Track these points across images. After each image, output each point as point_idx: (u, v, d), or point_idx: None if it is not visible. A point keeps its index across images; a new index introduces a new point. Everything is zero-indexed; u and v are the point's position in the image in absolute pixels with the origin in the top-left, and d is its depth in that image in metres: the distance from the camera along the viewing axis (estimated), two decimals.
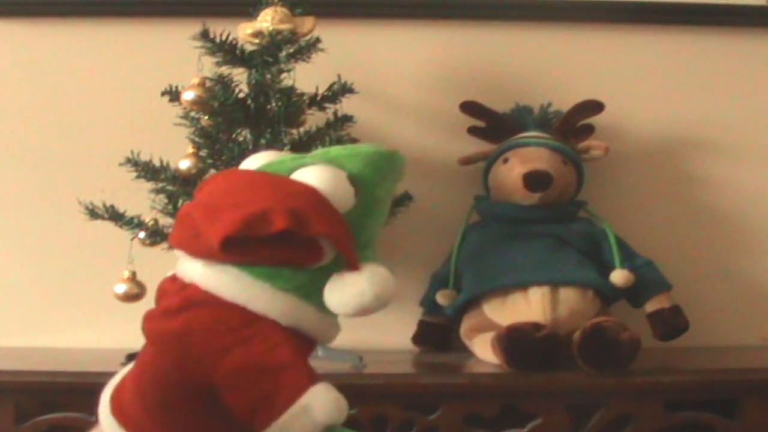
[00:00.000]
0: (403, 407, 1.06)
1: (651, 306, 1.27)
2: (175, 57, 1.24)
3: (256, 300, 0.79)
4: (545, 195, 1.27)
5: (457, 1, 1.44)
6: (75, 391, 1.07)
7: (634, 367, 1.08)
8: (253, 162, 0.87)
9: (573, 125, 1.34)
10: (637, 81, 1.44)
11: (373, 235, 0.84)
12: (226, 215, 0.77)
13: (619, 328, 1.09)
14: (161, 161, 1.20)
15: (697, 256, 1.43)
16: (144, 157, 1.20)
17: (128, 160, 1.20)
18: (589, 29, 1.45)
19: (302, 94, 1.20)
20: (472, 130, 1.37)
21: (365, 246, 0.83)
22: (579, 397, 1.08)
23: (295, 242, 0.78)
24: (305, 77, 1.20)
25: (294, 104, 1.18)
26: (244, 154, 1.16)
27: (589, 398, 1.08)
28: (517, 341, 1.10)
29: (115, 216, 1.20)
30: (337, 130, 1.22)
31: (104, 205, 1.20)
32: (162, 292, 0.84)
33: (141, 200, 1.20)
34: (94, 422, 1.03)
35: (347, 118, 1.24)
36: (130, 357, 1.16)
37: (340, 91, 1.24)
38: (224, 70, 1.20)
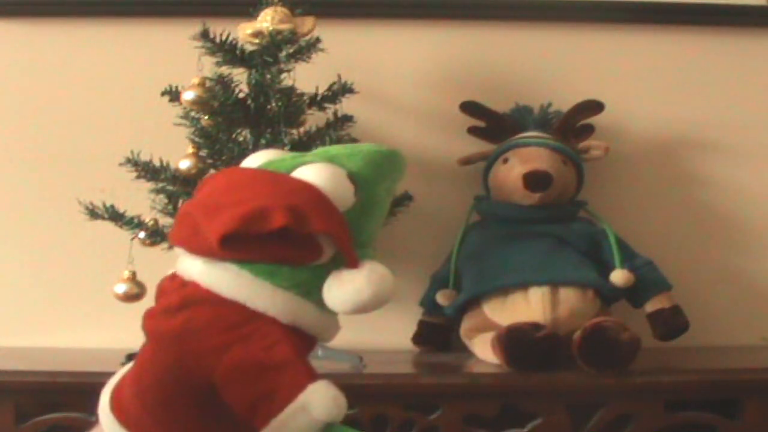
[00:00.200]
0: (403, 407, 1.06)
1: (651, 306, 1.27)
2: (175, 57, 1.24)
3: (255, 298, 0.79)
4: (545, 195, 1.27)
5: (457, 1, 1.44)
6: (75, 391, 1.07)
7: (634, 367, 1.08)
8: (254, 160, 0.87)
9: (573, 125, 1.34)
10: (637, 81, 1.44)
11: (372, 234, 0.85)
12: (225, 213, 0.77)
13: (619, 328, 1.09)
14: (161, 161, 1.20)
15: (697, 256, 1.43)
16: (144, 157, 1.20)
17: (128, 160, 1.20)
18: (589, 29, 1.45)
19: (302, 94, 1.20)
20: (472, 130, 1.37)
21: (364, 244, 0.83)
22: (579, 397, 1.08)
23: (293, 240, 0.78)
24: (305, 77, 1.20)
25: (294, 104, 1.18)
26: (244, 154, 1.16)
27: (589, 398, 1.08)
28: (517, 341, 1.10)
29: (115, 216, 1.20)
30: (337, 130, 1.22)
31: (104, 205, 1.20)
32: (162, 291, 0.84)
33: (141, 200, 1.20)
34: (94, 422, 1.03)
35: (347, 118, 1.24)
36: (130, 357, 1.16)
37: (340, 91, 1.24)
38: (224, 70, 1.20)
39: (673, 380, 1.10)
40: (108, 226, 1.21)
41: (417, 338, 1.36)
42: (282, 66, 1.18)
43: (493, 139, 1.36)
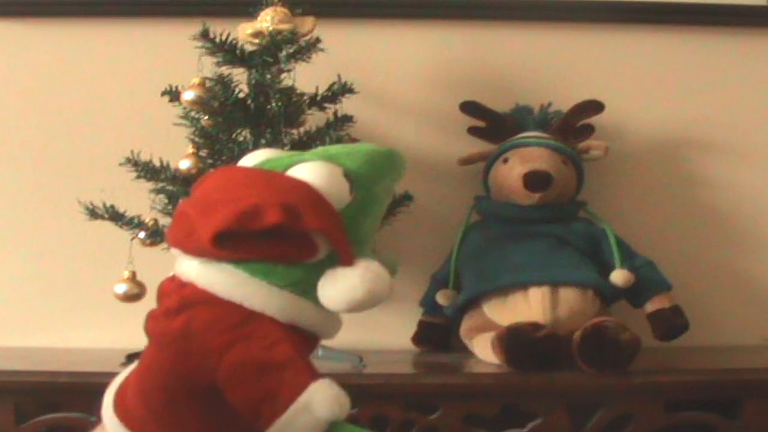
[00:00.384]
0: (403, 407, 1.06)
1: (651, 306, 1.27)
2: (175, 57, 1.24)
3: (252, 297, 0.79)
4: (545, 195, 1.27)
5: (457, 1, 1.44)
6: (75, 391, 1.07)
7: (634, 367, 1.08)
8: (251, 159, 0.87)
9: (573, 125, 1.34)
10: (637, 81, 1.44)
11: (369, 233, 0.84)
12: (219, 211, 0.77)
13: (619, 328, 1.09)
14: (161, 161, 1.20)
15: (697, 256, 1.43)
16: (144, 157, 1.20)
17: (128, 160, 1.20)
18: (589, 29, 1.45)
19: (302, 94, 1.20)
20: (472, 130, 1.37)
21: (361, 243, 0.83)
22: (579, 397, 1.08)
23: (288, 237, 0.78)
24: (305, 77, 1.20)
25: (294, 104, 1.18)
26: (244, 154, 1.14)
27: (589, 398, 1.08)
28: (517, 341, 1.10)
29: (115, 216, 1.20)
30: (337, 130, 1.22)
31: (104, 205, 1.20)
32: (162, 293, 0.84)
33: (141, 200, 1.20)
34: (95, 422, 1.03)
35: (347, 118, 1.24)
36: (130, 357, 1.16)
37: (340, 91, 1.24)
38: (224, 70, 1.20)
39: (673, 380, 1.10)
40: (108, 226, 1.21)
41: (417, 338, 1.36)
42: (282, 66, 1.18)
43: (493, 139, 1.36)
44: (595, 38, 1.45)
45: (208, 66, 1.19)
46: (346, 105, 1.25)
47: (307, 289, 0.80)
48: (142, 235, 1.20)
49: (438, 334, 1.36)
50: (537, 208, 1.29)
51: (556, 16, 1.44)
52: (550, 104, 1.37)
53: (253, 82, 1.18)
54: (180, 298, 0.81)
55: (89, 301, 1.37)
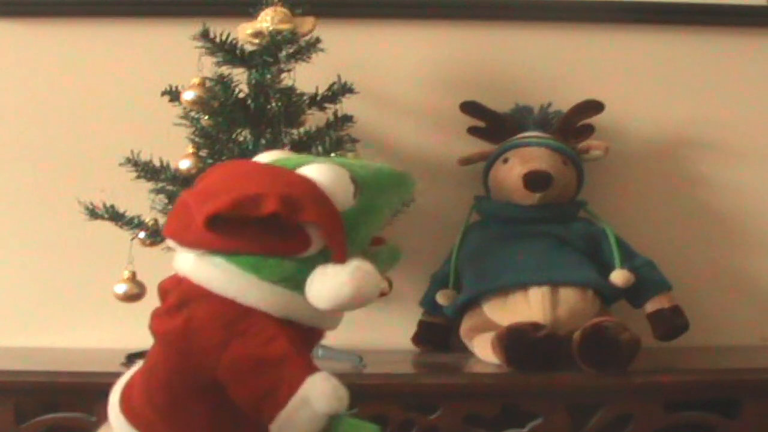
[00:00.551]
0: (403, 407, 1.06)
1: (651, 306, 1.27)
2: (175, 57, 1.25)
3: (245, 293, 0.79)
4: (545, 195, 1.27)
5: (457, 1, 1.44)
6: (75, 391, 1.07)
7: (634, 367, 1.08)
8: (262, 157, 0.87)
9: (573, 125, 1.34)
10: (637, 81, 1.44)
11: (363, 241, 0.84)
12: (218, 197, 0.77)
13: (619, 328, 1.09)
14: (161, 161, 1.20)
15: (697, 256, 1.43)
16: (144, 157, 1.20)
17: (128, 160, 1.20)
18: (589, 29, 1.45)
19: (302, 94, 1.20)
20: (472, 130, 1.37)
21: (354, 248, 0.82)
22: (579, 397, 1.08)
23: (282, 230, 0.78)
24: (305, 77, 1.20)
25: (294, 104, 1.18)
26: (244, 154, 1.16)
27: (589, 398, 1.08)
28: (517, 341, 1.10)
29: (115, 216, 1.20)
30: (337, 130, 1.22)
31: (104, 205, 1.20)
32: (163, 290, 0.84)
33: (141, 200, 1.20)
34: (95, 422, 1.03)
35: (347, 118, 1.24)
36: (130, 357, 1.17)
37: (340, 91, 1.24)
38: (224, 70, 1.20)
39: (673, 380, 1.10)
40: (108, 226, 1.21)
41: (417, 338, 1.36)
42: (282, 66, 1.18)
43: (493, 139, 1.36)
44: (595, 38, 1.45)
45: (208, 66, 1.19)
46: (346, 105, 1.25)
47: (300, 284, 0.79)
48: (142, 235, 1.20)
49: (438, 334, 1.36)
50: (537, 208, 1.29)
51: (556, 16, 1.44)
52: (550, 104, 1.37)
53: (253, 82, 1.18)
54: (179, 294, 0.81)
55: (89, 301, 1.37)
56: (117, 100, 1.41)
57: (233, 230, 0.78)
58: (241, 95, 1.19)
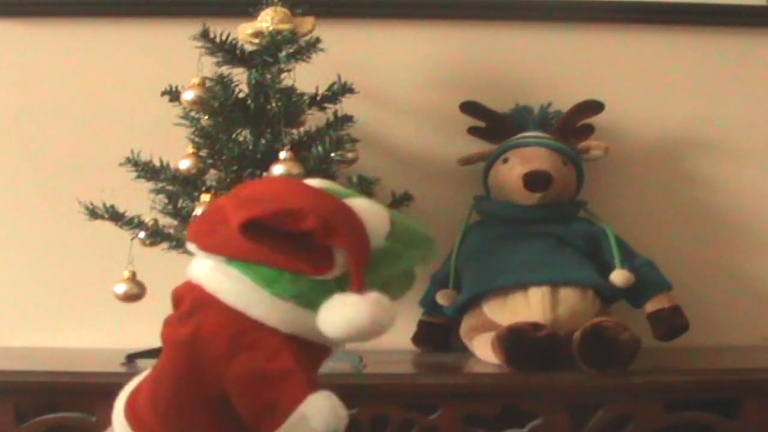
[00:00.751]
0: (403, 407, 1.06)
1: (651, 306, 1.27)
2: (175, 57, 1.24)
3: (255, 306, 0.79)
4: (545, 195, 1.28)
5: (457, 1, 1.44)
6: (75, 391, 1.07)
7: (634, 367, 1.08)
8: (310, 182, 0.87)
9: (573, 125, 1.34)
10: (637, 81, 1.44)
11: (377, 283, 0.83)
12: (261, 205, 0.77)
13: (619, 328, 1.09)
14: (161, 161, 1.20)
15: (697, 256, 1.43)
16: (144, 157, 1.20)
17: (128, 160, 1.20)
18: (589, 29, 1.45)
19: (302, 94, 1.20)
20: (472, 130, 1.37)
21: (370, 285, 0.82)
22: (579, 397, 1.08)
23: (310, 249, 0.78)
24: (305, 77, 1.20)
25: (294, 104, 1.18)
26: (244, 154, 1.16)
27: (589, 398, 1.08)
28: (517, 341, 1.10)
29: (115, 216, 1.20)
30: (337, 130, 1.22)
31: (104, 205, 1.20)
32: (177, 297, 0.84)
33: (141, 200, 1.20)
34: (95, 422, 1.04)
35: (347, 118, 1.24)
36: (130, 357, 1.17)
37: (340, 91, 1.24)
38: (224, 70, 1.20)
39: (673, 380, 1.10)
40: (108, 226, 1.21)
41: (417, 338, 1.36)
42: (282, 66, 1.18)
43: (493, 139, 1.36)
44: (595, 38, 1.45)
45: (208, 66, 1.19)
46: (346, 105, 1.25)
47: (310, 303, 0.79)
48: (142, 235, 1.19)
49: (438, 334, 1.36)
50: (537, 208, 1.29)
51: (557, 16, 1.44)
52: (550, 104, 1.37)
53: (253, 82, 1.18)
54: (191, 300, 0.81)
55: (89, 301, 1.37)
56: (117, 100, 1.41)
57: (262, 239, 0.77)
58: (241, 95, 1.19)
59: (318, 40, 1.20)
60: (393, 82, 1.42)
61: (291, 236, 0.77)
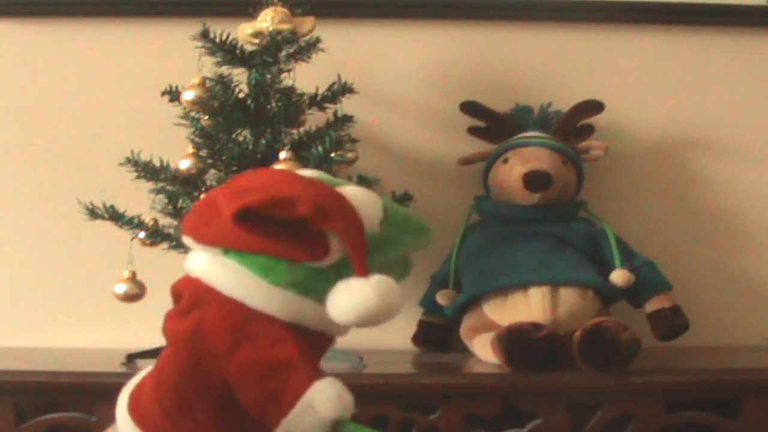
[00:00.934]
0: (403, 407, 1.06)
1: (651, 306, 1.27)
2: (175, 57, 1.24)
3: (253, 296, 0.79)
4: (545, 195, 1.28)
5: (457, 1, 1.44)
6: (75, 391, 1.07)
7: (634, 367, 1.08)
8: (302, 173, 0.88)
9: (573, 125, 1.34)
10: (637, 81, 1.44)
11: (372, 270, 0.84)
12: (254, 194, 0.77)
13: (619, 328, 1.09)
14: (161, 161, 1.20)
15: (697, 256, 1.43)
16: (144, 157, 1.20)
17: (128, 160, 1.20)
18: (589, 29, 1.45)
19: (302, 94, 1.20)
20: (472, 130, 1.37)
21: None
22: (579, 397, 1.08)
23: (304, 236, 0.78)
24: (305, 77, 1.20)
25: (294, 104, 1.18)
26: (244, 154, 1.16)
27: (589, 398, 1.08)
28: (517, 341, 1.10)
29: (115, 216, 1.20)
30: (337, 130, 1.22)
31: (104, 205, 1.20)
32: (176, 292, 0.84)
33: (141, 200, 1.20)
34: (95, 422, 1.04)
35: (347, 118, 1.24)
36: (130, 357, 1.17)
37: (340, 91, 1.24)
38: (224, 70, 1.20)
39: (673, 380, 1.10)
40: (108, 226, 1.21)
41: (417, 338, 1.36)
42: (282, 66, 1.18)
43: (493, 139, 1.36)
44: (595, 38, 1.45)
45: (208, 66, 1.19)
46: (346, 105, 1.25)
47: (310, 290, 0.79)
48: (142, 235, 1.19)
49: (438, 334, 1.36)
50: (537, 208, 1.29)
51: (556, 16, 1.44)
52: (550, 104, 1.37)
53: (253, 82, 1.18)
54: (190, 295, 0.81)
55: (89, 301, 1.37)
56: (117, 100, 1.41)
57: (256, 228, 0.78)
58: (241, 95, 1.19)
59: (318, 40, 1.20)
60: (393, 82, 1.42)
61: (285, 224, 0.77)
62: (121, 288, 1.20)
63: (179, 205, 1.18)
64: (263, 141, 1.17)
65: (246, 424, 0.79)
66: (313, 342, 0.81)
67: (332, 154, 1.17)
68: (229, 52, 1.20)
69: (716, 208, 1.45)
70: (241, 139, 1.19)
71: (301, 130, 1.21)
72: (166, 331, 0.82)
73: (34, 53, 1.42)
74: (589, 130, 1.35)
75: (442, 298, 1.30)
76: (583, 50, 1.45)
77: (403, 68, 1.42)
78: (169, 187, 1.19)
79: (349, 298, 0.78)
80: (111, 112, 1.41)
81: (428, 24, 1.44)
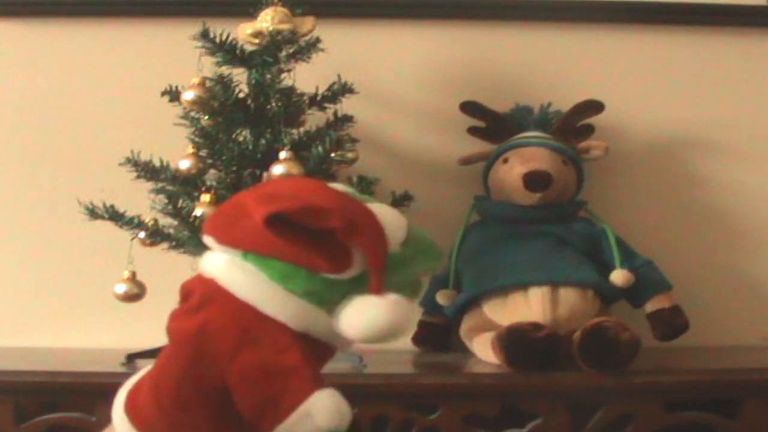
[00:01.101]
0: (403, 407, 1.06)
1: (651, 306, 1.27)
2: (175, 57, 1.24)
3: (267, 301, 0.79)
4: (545, 195, 1.28)
5: (457, 1, 1.44)
6: (75, 391, 1.07)
7: (634, 367, 1.08)
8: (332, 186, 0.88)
9: (573, 125, 1.34)
10: (637, 81, 1.44)
11: (387, 288, 0.84)
12: (287, 200, 0.77)
13: (619, 328, 1.09)
14: (161, 161, 1.20)
15: (697, 256, 1.43)
16: (144, 157, 1.20)
17: (128, 160, 1.19)
18: (589, 29, 1.45)
19: (302, 94, 1.20)
20: (472, 130, 1.37)
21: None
22: (579, 397, 1.08)
23: (329, 247, 0.78)
24: (305, 77, 1.20)
25: (294, 104, 1.18)
26: (244, 154, 1.16)
27: (589, 398, 1.08)
28: (517, 341, 1.10)
29: (115, 216, 1.20)
30: (337, 130, 1.22)
31: (104, 205, 1.20)
32: (186, 291, 0.84)
33: (141, 200, 1.20)
34: (95, 422, 1.03)
35: (347, 118, 1.24)
36: (130, 357, 1.17)
37: (340, 91, 1.24)
38: (224, 70, 1.20)
39: (673, 380, 1.10)
40: (108, 226, 1.21)
41: (417, 338, 1.36)
42: (282, 66, 1.18)
43: (493, 139, 1.36)
44: (595, 38, 1.45)
45: (208, 66, 1.19)
46: (346, 105, 1.25)
47: (323, 301, 0.79)
48: (142, 235, 1.19)
49: (438, 334, 1.36)
50: (537, 208, 1.29)
51: (556, 16, 1.44)
52: (550, 104, 1.37)
53: (253, 82, 1.18)
54: (200, 294, 0.81)
55: (89, 301, 1.37)
56: (117, 100, 1.41)
57: (285, 235, 0.77)
58: (241, 95, 1.19)
59: (318, 40, 1.20)
60: (393, 82, 1.42)
61: (311, 233, 0.77)
62: (121, 288, 1.20)
63: (179, 205, 1.18)
64: (263, 141, 1.16)
65: (243, 427, 0.79)
66: (317, 352, 0.81)
67: (332, 154, 1.17)
68: (229, 52, 1.20)
69: (716, 208, 1.45)
70: (241, 139, 1.19)
71: (301, 130, 1.21)
72: (170, 329, 0.82)
73: (34, 53, 1.42)
74: (589, 130, 1.35)
75: (442, 298, 1.30)
76: (583, 50, 1.45)
77: (403, 68, 1.42)
78: (169, 187, 1.19)
79: (363, 314, 0.78)
80: (111, 112, 1.41)
81: (428, 24, 1.44)
